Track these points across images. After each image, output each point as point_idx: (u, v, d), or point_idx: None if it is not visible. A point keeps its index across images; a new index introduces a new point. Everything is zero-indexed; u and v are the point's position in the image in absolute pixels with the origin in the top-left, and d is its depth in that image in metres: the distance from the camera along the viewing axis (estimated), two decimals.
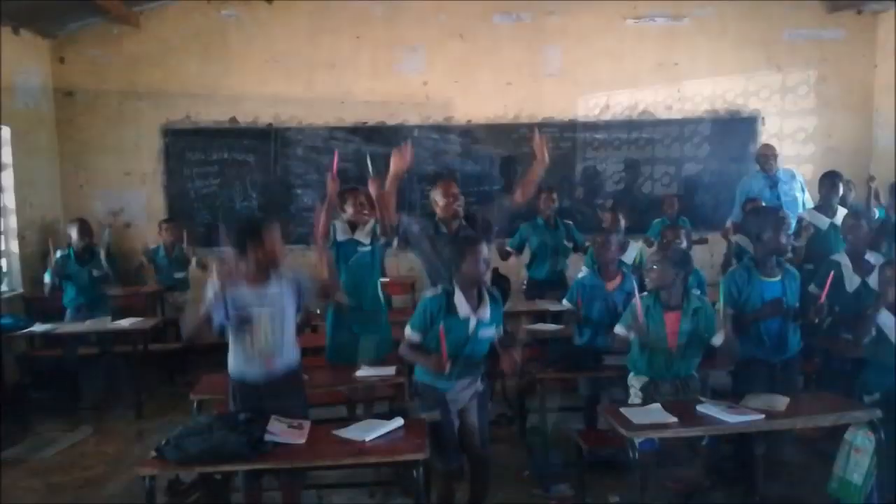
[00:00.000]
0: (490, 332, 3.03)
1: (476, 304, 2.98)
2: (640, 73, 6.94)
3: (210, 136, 6.82)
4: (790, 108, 7.05)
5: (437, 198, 3.61)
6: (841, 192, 4.97)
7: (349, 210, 3.99)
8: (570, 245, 5.42)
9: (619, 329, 3.25)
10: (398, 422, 2.84)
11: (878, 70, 7.13)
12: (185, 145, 6.81)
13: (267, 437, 2.60)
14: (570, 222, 5.54)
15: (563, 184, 6.33)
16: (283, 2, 6.72)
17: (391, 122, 6.81)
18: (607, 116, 6.96)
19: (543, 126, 6.85)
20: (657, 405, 2.90)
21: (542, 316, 4.86)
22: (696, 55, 6.97)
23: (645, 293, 3.22)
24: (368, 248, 3.97)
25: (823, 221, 4.86)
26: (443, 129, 6.83)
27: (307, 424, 2.79)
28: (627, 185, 6.96)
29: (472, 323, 2.96)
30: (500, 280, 5.01)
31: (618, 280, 3.96)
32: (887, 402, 3.13)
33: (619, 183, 6.97)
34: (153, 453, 2.56)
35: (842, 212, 4.84)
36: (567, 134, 6.93)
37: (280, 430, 2.69)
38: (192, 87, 6.76)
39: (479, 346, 3.04)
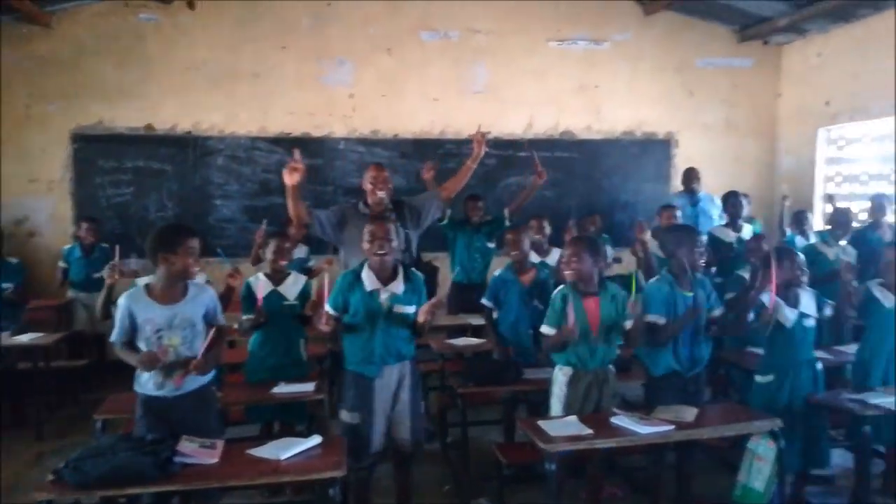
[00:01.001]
0: (408, 309, 3.11)
1: (388, 280, 3.08)
2: (562, 93, 7.14)
3: (124, 143, 6.54)
4: (702, 131, 7.41)
5: (365, 183, 3.77)
6: (745, 210, 5.31)
7: (269, 255, 3.86)
8: (493, 246, 5.50)
9: (545, 329, 3.29)
10: (315, 439, 2.77)
11: (781, 99, 7.60)
12: (97, 152, 6.51)
13: (176, 458, 2.49)
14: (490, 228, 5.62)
15: (489, 198, 6.38)
16: (205, 8, 6.56)
17: (317, 133, 6.74)
18: (531, 135, 7.11)
19: (469, 142, 6.92)
20: (574, 417, 2.96)
21: (463, 329, 4.90)
22: (615, 78, 7.23)
23: (562, 286, 3.30)
24: (295, 304, 3.83)
25: (729, 236, 5.20)
26: (369, 143, 6.82)
27: (220, 444, 2.69)
28: (551, 201, 7.09)
29: (384, 296, 3.06)
30: (424, 266, 4.99)
31: (531, 274, 4.06)
32: (780, 383, 3.36)
33: (543, 200, 7.10)
34: (51, 477, 2.41)
35: (746, 228, 5.19)
36: (492, 151, 7.01)
37: (190, 450, 2.58)
38: (106, 92, 6.49)
39: (395, 321, 3.10)
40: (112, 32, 6.50)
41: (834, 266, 4.62)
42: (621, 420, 2.88)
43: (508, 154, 7.06)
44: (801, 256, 3.50)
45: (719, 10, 6.93)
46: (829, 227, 5.17)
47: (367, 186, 3.77)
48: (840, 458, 3.98)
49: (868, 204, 5.61)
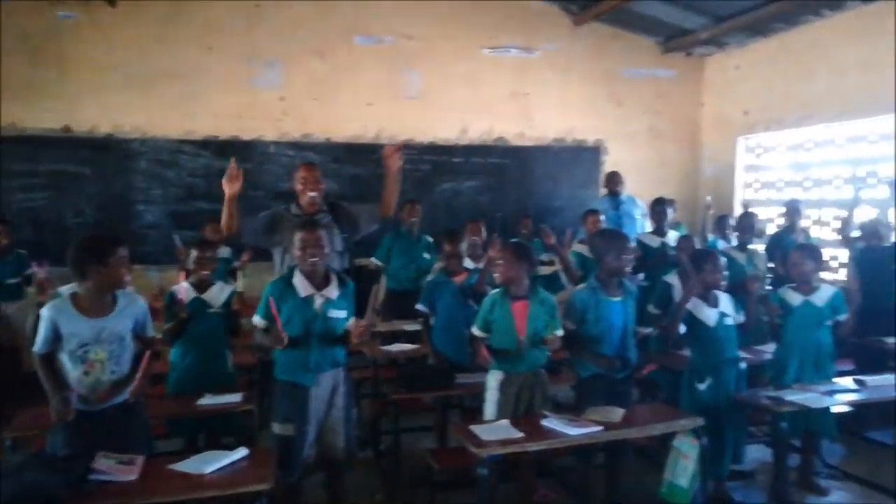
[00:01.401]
0: (341, 314, 3.08)
1: (321, 285, 3.03)
2: (495, 100, 7.22)
3: (39, 146, 6.21)
4: (629, 138, 7.62)
5: (295, 184, 3.70)
6: (669, 216, 5.48)
7: (190, 265, 3.75)
8: (429, 257, 5.49)
9: (475, 330, 3.34)
10: (241, 452, 2.68)
11: (703, 108, 7.91)
12: (9, 155, 6.14)
13: (92, 476, 2.36)
14: (431, 239, 5.61)
15: (424, 204, 6.37)
16: (127, 6, 6.31)
17: (245, 136, 6.59)
18: (465, 141, 7.15)
19: (404, 147, 6.90)
20: (506, 421, 2.97)
21: (397, 336, 4.86)
22: (546, 86, 7.36)
23: (495, 290, 3.34)
24: (221, 311, 3.72)
25: (655, 241, 5.34)
26: (300, 147, 6.70)
27: (140, 459, 2.56)
28: (485, 207, 7.14)
29: (318, 301, 3.01)
30: (359, 271, 4.94)
31: (464, 275, 4.07)
32: (717, 381, 3.48)
33: (477, 205, 7.15)
34: None
35: (672, 234, 5.36)
36: (426, 156, 7.05)
37: (108, 467, 2.44)
38: (19, 92, 6.14)
39: (330, 326, 3.06)
40: (27, 29, 6.18)
41: (745, 269, 4.80)
42: (551, 422, 2.91)
43: (443, 160, 7.08)
44: (723, 259, 3.63)
45: (644, 22, 7.16)
46: (737, 232, 5.35)
47: (298, 187, 3.70)
48: (760, 454, 4.16)
49: (783, 209, 5.93)
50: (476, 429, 2.88)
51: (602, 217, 5.49)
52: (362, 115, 6.84)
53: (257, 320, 3.05)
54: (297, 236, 3.02)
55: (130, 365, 2.77)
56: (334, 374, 3.12)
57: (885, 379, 3.61)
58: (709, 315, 3.49)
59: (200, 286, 3.71)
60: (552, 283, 5.02)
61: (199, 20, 6.46)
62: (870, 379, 3.57)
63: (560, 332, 3.23)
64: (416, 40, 6.94)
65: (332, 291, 3.06)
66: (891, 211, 5.37)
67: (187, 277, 3.85)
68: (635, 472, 3.77)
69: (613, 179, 6.35)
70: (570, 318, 3.36)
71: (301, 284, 3.03)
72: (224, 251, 5.41)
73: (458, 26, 7.04)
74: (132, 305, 2.80)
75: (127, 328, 2.75)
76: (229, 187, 3.45)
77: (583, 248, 5.04)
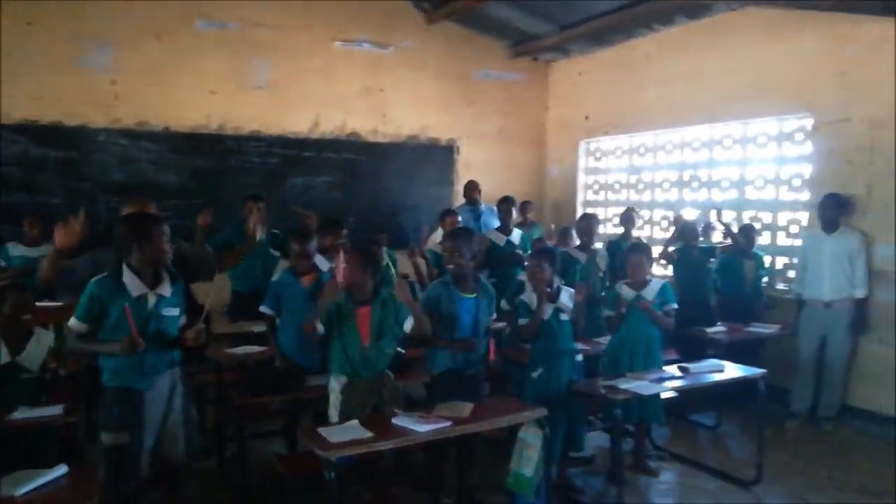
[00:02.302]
0: (175, 311, 2.95)
1: (153, 283, 2.87)
2: (348, 94, 7.10)
3: None
4: (481, 139, 7.81)
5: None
6: (514, 215, 5.66)
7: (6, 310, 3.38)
8: (278, 254, 5.26)
9: (318, 327, 3.24)
10: (61, 469, 2.44)
11: (549, 112, 8.28)
12: None
13: None
14: (278, 231, 5.35)
15: (273, 198, 6.11)
16: None
17: (71, 122, 5.95)
18: (317, 135, 6.97)
19: (250, 139, 6.63)
20: (355, 422, 2.91)
21: (245, 338, 4.63)
22: (399, 83, 7.35)
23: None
24: None
25: (501, 239, 5.51)
26: (135, 135, 6.17)
27: None
28: (339, 203, 6.99)
29: (152, 300, 2.85)
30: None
31: (312, 277, 3.93)
32: (547, 374, 3.65)
33: (331, 201, 6.98)
34: None
35: (516, 232, 5.54)
36: (276, 149, 6.79)
37: None
38: None
39: (165, 325, 2.91)
40: None
41: (588, 268, 5.07)
42: (402, 420, 2.90)
43: (294, 153, 6.85)
44: (557, 257, 3.84)
45: (494, 25, 7.36)
46: (577, 235, 5.64)
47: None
48: (599, 440, 4.41)
49: (620, 210, 6.35)
50: (324, 431, 2.80)
51: (460, 219, 5.58)
52: (205, 103, 6.44)
53: (75, 323, 2.81)
54: (152, 233, 2.85)
55: None
56: (170, 376, 2.97)
57: (706, 365, 3.96)
58: (545, 310, 3.65)
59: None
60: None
61: None
62: (693, 366, 3.90)
63: (408, 326, 3.24)
64: (265, 28, 6.65)
65: (165, 289, 2.90)
66: (712, 213, 5.90)
67: None
68: (487, 465, 3.85)
69: (471, 188, 6.43)
70: (425, 312, 3.37)
71: (132, 283, 2.82)
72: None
73: (309, 16, 6.83)
74: None
75: None
76: (62, 238, 3.20)
77: (439, 248, 5.07)
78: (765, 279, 5.60)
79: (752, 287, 5.46)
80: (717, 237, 5.79)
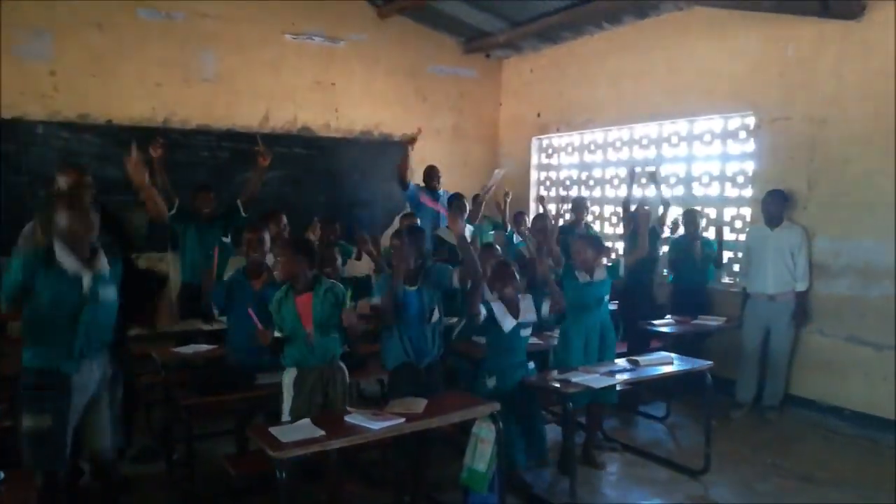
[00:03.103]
0: (112, 293, 2.79)
1: (88, 259, 2.71)
2: (299, 88, 6.98)
3: None
4: (435, 135, 7.77)
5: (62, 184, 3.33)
6: (467, 211, 5.66)
7: None
8: (228, 241, 5.15)
9: (275, 332, 3.23)
10: None
11: (502, 108, 8.32)
12: None
13: None
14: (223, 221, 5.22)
15: (224, 194, 5.95)
16: None
17: (7, 114, 5.67)
18: (267, 129, 6.83)
19: (198, 133, 6.47)
20: (307, 420, 2.87)
21: (192, 336, 4.51)
22: (352, 78, 7.27)
23: (282, 286, 3.28)
24: None
25: (452, 236, 5.48)
26: (76, 128, 5.94)
27: None
28: (290, 198, 6.88)
29: (87, 280, 2.68)
30: (143, 275, 4.47)
31: (264, 277, 3.84)
32: (503, 381, 3.64)
33: (283, 196, 6.85)
34: None
35: (468, 228, 5.54)
36: (225, 143, 6.63)
37: None
38: None
39: (103, 311, 2.77)
40: None
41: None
42: (354, 418, 2.86)
43: (243, 147, 6.67)
44: (510, 262, 3.86)
45: (447, 21, 7.35)
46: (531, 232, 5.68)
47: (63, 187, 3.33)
48: (552, 433, 4.44)
49: (571, 205, 6.44)
50: (275, 430, 2.74)
51: (418, 220, 5.56)
52: (150, 95, 6.24)
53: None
54: (60, 211, 2.68)
55: None
56: (101, 360, 2.82)
57: (655, 358, 4.04)
58: (506, 323, 3.64)
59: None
60: (363, 286, 4.92)
61: None
62: (642, 359, 3.97)
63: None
64: (212, 19, 6.48)
65: (100, 265, 2.75)
66: (660, 207, 6.01)
67: None
68: (442, 461, 3.84)
69: (431, 174, 6.39)
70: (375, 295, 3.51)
71: (67, 259, 2.66)
72: None
73: (258, 8, 6.68)
74: None
75: None
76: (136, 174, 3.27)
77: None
78: (714, 254, 5.64)
79: (701, 271, 5.58)
80: (665, 232, 5.88)
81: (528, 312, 3.72)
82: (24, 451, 2.65)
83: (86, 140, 5.97)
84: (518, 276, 3.78)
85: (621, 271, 4.20)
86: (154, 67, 6.25)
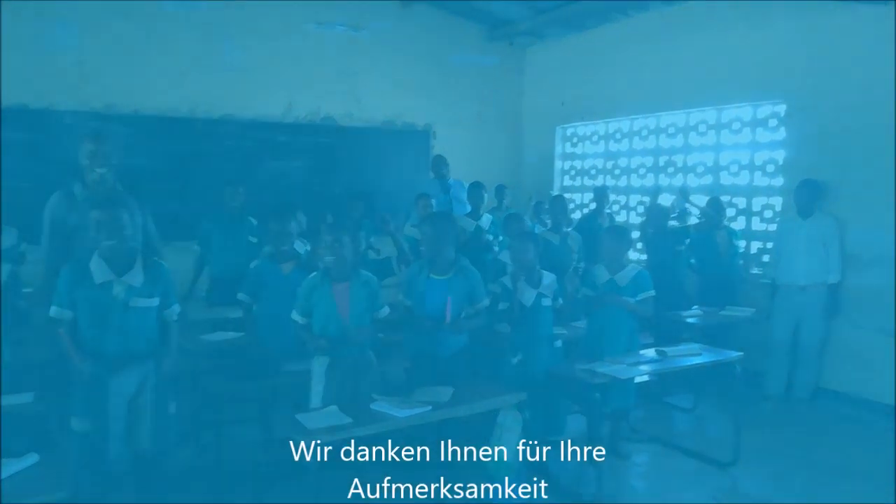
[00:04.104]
0: (149, 303, 2.81)
1: (123, 269, 2.75)
2: (322, 78, 6.99)
3: None
4: (457, 124, 7.74)
5: (81, 159, 3.30)
6: (486, 200, 5.63)
7: None
8: (255, 240, 5.17)
9: (294, 315, 3.24)
10: (31, 458, 2.38)
11: (525, 97, 8.25)
12: None
13: None
14: (255, 220, 5.26)
15: (248, 184, 6.00)
16: None
17: (35, 104, 5.78)
18: (290, 119, 6.85)
19: (223, 123, 6.51)
20: (334, 407, 2.87)
21: (221, 323, 4.54)
22: (374, 67, 7.25)
23: (314, 273, 3.27)
24: None
25: (470, 224, 5.46)
26: (103, 118, 6.00)
27: None
28: (314, 188, 6.90)
29: (119, 289, 2.73)
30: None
31: (292, 263, 3.86)
32: (529, 357, 3.66)
33: (306, 186, 6.88)
34: None
35: (486, 217, 5.51)
36: (249, 133, 6.67)
37: None
38: None
39: (135, 318, 2.79)
40: None
41: (560, 250, 5.07)
42: (381, 405, 2.86)
43: (267, 137, 6.74)
44: (539, 242, 3.82)
45: (469, 8, 7.29)
46: (550, 216, 5.64)
47: (84, 161, 3.30)
48: (576, 423, 4.41)
49: (592, 194, 6.38)
50: (302, 418, 2.75)
51: (433, 202, 5.53)
52: (176, 85, 6.29)
53: (56, 311, 2.75)
54: (92, 218, 2.72)
55: None
56: (140, 368, 2.84)
57: (683, 349, 3.99)
58: (527, 295, 3.64)
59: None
60: (383, 268, 4.94)
61: None
62: (670, 350, 3.92)
63: (385, 312, 3.27)
64: (236, 8, 6.50)
65: (135, 277, 2.78)
66: (679, 196, 5.94)
67: None
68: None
69: (438, 164, 6.38)
70: (405, 296, 3.41)
71: (98, 269, 2.73)
72: (9, 236, 4.72)
73: None
74: None
75: None
76: None
77: (415, 232, 5.04)
78: (741, 246, 5.59)
79: (727, 260, 5.50)
80: (691, 220, 5.81)
81: (549, 285, 3.73)
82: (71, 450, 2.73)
83: (113, 130, 6.02)
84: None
85: (650, 289, 4.07)
86: (179, 57, 6.30)
